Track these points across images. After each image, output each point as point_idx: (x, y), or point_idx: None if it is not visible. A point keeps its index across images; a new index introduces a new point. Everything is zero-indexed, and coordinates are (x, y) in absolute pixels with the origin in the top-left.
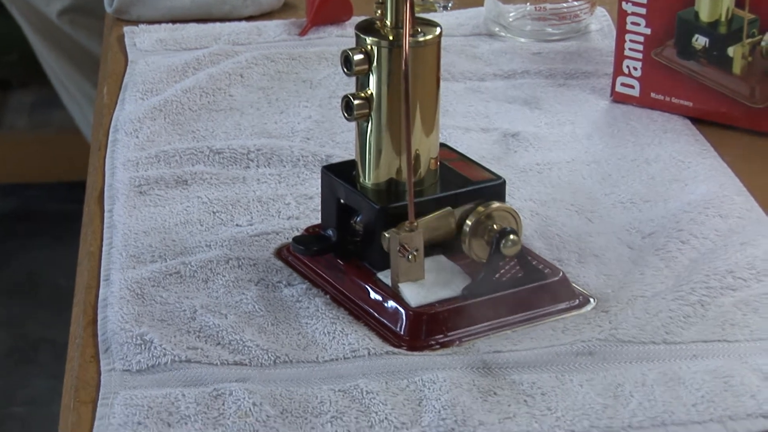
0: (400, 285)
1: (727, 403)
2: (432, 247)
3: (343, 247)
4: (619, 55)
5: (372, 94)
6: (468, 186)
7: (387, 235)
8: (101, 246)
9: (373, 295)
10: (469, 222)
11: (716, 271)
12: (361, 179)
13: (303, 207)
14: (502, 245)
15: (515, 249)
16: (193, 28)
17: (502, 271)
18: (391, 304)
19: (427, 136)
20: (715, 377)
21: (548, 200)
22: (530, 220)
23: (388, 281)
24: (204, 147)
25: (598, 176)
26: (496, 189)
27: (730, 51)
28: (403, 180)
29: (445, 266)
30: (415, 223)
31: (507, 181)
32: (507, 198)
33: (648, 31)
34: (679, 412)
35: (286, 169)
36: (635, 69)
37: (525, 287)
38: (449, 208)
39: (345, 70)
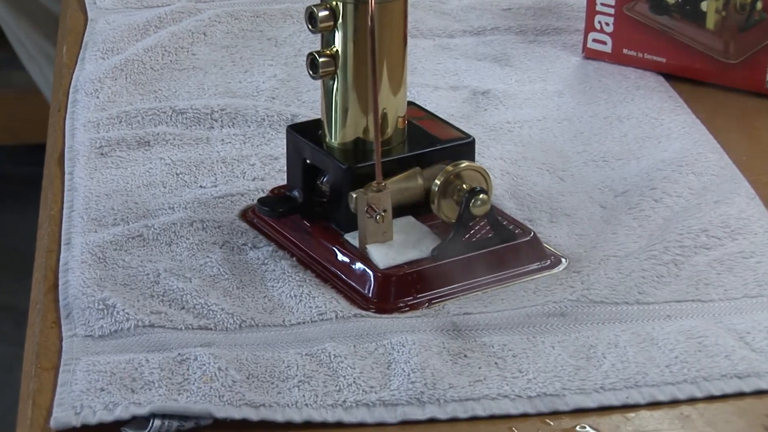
0: (367, 246)
1: (701, 364)
2: (400, 208)
3: (310, 208)
4: (591, 11)
5: (338, 51)
6: (437, 145)
7: (354, 195)
8: (62, 209)
9: (340, 257)
10: (437, 182)
11: (690, 230)
12: (328, 139)
13: (268, 168)
14: (471, 205)
15: (485, 209)
16: None
17: (471, 231)
18: (358, 266)
19: (395, 95)
20: (689, 338)
21: (519, 159)
22: (500, 179)
23: (355, 243)
24: (166, 107)
25: (570, 134)
26: (465, 148)
27: (704, 5)
28: (370, 139)
29: (413, 227)
30: (383, 183)
31: (477, 140)
32: (477, 157)
33: None
34: (652, 373)
35: (250, 129)
36: (607, 25)
37: (495, 248)
38: (417, 167)
39: (309, 27)
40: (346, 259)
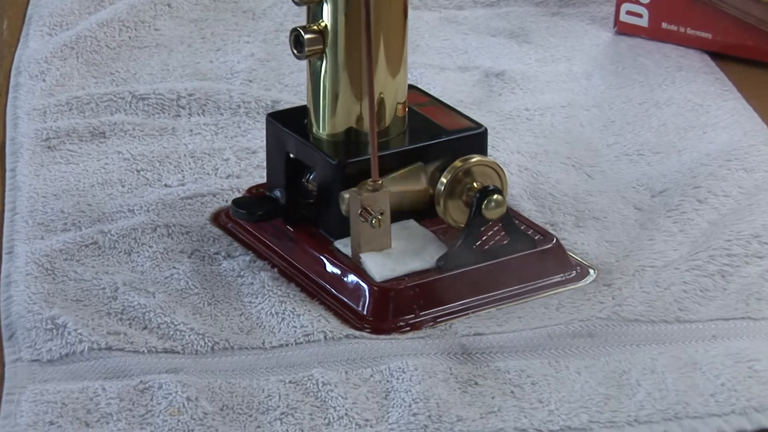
0: (362, 255)
1: (751, 392)
2: (400, 211)
3: (294, 210)
4: None
5: (326, 26)
6: (442, 136)
7: (346, 195)
8: (3, 212)
9: (329, 267)
10: (444, 180)
11: (740, 236)
12: (315, 129)
13: (245, 163)
14: (483, 207)
15: (499, 211)
16: None
17: (484, 238)
18: (351, 278)
19: (393, 77)
20: (738, 362)
21: (539, 152)
22: (518, 176)
23: (347, 251)
24: (125, 92)
25: (600, 123)
26: (476, 139)
27: None
28: (365, 130)
29: (415, 233)
30: (380, 181)
31: (490, 130)
32: (490, 150)
33: None
34: (694, 403)
35: (224, 117)
36: None
37: (511, 257)
38: (420, 163)
39: None
40: (337, 271)
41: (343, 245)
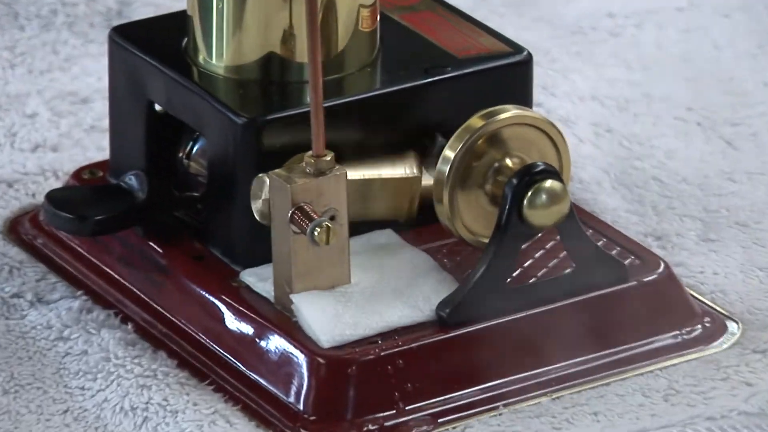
0: (294, 298)
1: None
2: (368, 214)
3: (163, 213)
4: None
5: None
6: (447, 70)
7: (264, 183)
8: None
9: (232, 322)
10: (450, 154)
11: None
12: (203, 57)
13: (67, 123)
14: (526, 204)
15: (556, 212)
16: None
17: (526, 264)
18: (274, 342)
19: None
20: None
21: (634, 99)
22: (593, 145)
23: (266, 290)
24: None
25: (750, 42)
26: (511, 75)
27: None
28: (298, 59)
29: (397, 256)
30: (328, 157)
31: (541, 57)
32: (541, 95)
33: None
34: None
35: (26, 34)
36: None
37: (580, 299)
38: (406, 123)
39: None
40: (247, 329)
41: (258, 279)
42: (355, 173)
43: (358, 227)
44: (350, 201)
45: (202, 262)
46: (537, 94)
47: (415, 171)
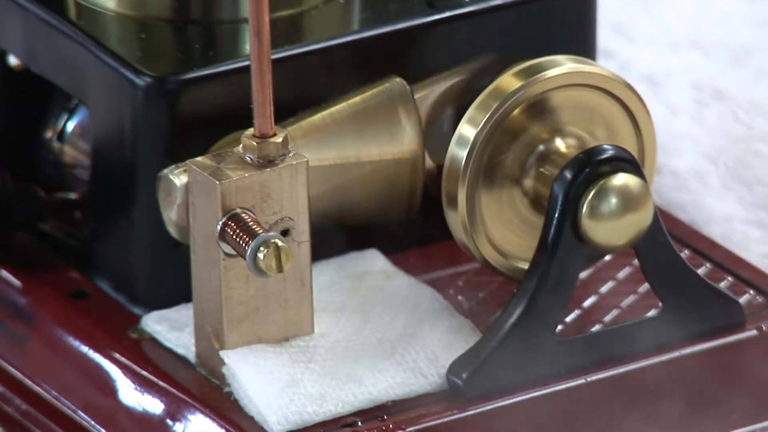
0: (226, 358)
1: None
2: (342, 218)
3: (21, 225)
4: None
5: None
6: (461, 0)
7: (177, 180)
8: None
9: (131, 395)
10: (469, 130)
11: None
12: None
13: None
14: (585, 212)
15: (632, 223)
16: None
17: (587, 304)
18: (196, 427)
19: None
20: None
21: (758, 46)
22: (692, 120)
23: (182, 347)
24: None
25: None
26: (563, 10)
27: None
28: None
29: (387, 291)
30: (279, 137)
31: None
32: (608, 43)
33: None
34: None
35: None
36: None
37: (674, 356)
38: (397, 80)
39: None
40: (154, 405)
41: (170, 327)
42: (322, 157)
43: (326, 244)
44: (315, 203)
45: (84, 301)
46: (605, 40)
47: (414, 147)
